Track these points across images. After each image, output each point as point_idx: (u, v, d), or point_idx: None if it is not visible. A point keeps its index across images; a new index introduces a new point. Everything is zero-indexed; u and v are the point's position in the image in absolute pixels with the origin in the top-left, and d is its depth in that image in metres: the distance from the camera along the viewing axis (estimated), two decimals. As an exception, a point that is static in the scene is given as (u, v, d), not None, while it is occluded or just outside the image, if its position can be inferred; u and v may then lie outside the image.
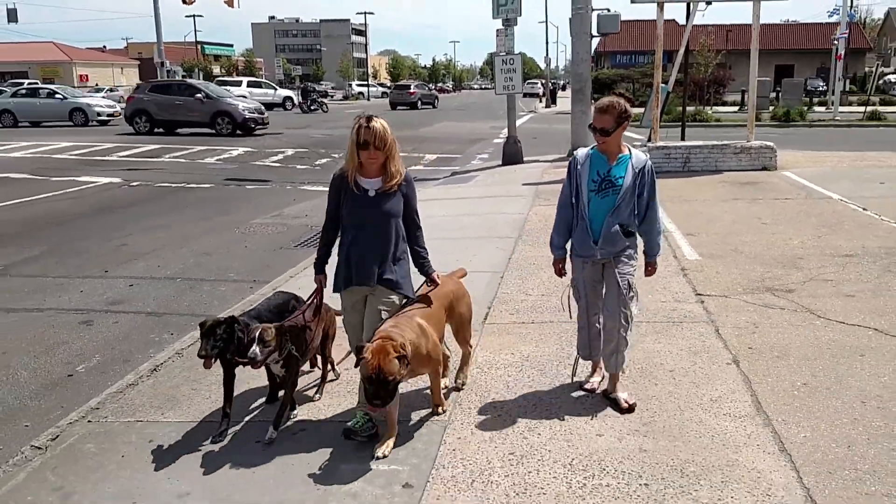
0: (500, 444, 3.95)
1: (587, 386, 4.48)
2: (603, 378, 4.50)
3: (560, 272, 4.43)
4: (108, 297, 7.27)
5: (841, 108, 32.78)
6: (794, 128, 26.73)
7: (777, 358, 4.88)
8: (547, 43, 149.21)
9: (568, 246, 4.37)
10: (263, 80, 59.41)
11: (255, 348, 3.79)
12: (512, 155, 16.50)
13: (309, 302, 4.38)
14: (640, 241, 4.32)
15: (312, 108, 43.19)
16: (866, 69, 57.39)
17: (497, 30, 16.10)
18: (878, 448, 3.72)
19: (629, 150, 4.16)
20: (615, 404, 4.24)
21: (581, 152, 4.23)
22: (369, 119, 3.91)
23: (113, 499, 3.57)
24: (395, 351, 3.55)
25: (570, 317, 4.48)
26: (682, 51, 15.60)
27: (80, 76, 76.64)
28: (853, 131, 25.47)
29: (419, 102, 51.43)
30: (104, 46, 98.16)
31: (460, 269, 4.88)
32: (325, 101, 48.00)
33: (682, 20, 17.33)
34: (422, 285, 4.25)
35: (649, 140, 14.64)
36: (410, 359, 3.64)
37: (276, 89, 48.96)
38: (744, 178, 12.75)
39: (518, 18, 15.99)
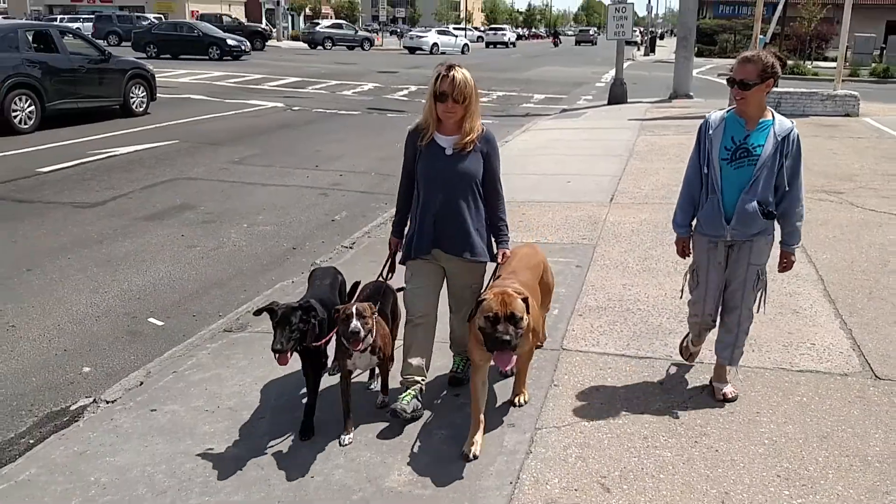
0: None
1: (722, 395, 3.90)
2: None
3: (683, 252, 3.97)
4: (329, 181, 10.04)
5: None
6: (893, 84, 27.47)
7: (820, 225, 7.15)
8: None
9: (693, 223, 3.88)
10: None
11: (356, 323, 3.28)
12: (618, 95, 18.58)
13: (386, 265, 4.00)
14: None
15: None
16: None
17: (611, -19, 18.04)
18: (872, 264, 6.05)
19: (772, 115, 3.59)
20: (713, 392, 3.93)
21: (715, 115, 3.70)
22: (450, 68, 3.57)
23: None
24: (519, 294, 3.27)
25: (682, 297, 4.07)
26: (781, 4, 17.21)
27: (192, 12, 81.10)
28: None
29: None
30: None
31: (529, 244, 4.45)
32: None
33: (784, -24, 18.74)
34: (500, 253, 3.85)
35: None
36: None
37: (456, 36, 54.13)
38: (827, 121, 14.54)
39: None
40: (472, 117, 3.64)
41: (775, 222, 3.68)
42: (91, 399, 4.11)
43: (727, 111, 3.69)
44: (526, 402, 3.82)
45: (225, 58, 34.84)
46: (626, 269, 6.06)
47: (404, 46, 50.83)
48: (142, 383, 4.21)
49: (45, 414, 4.08)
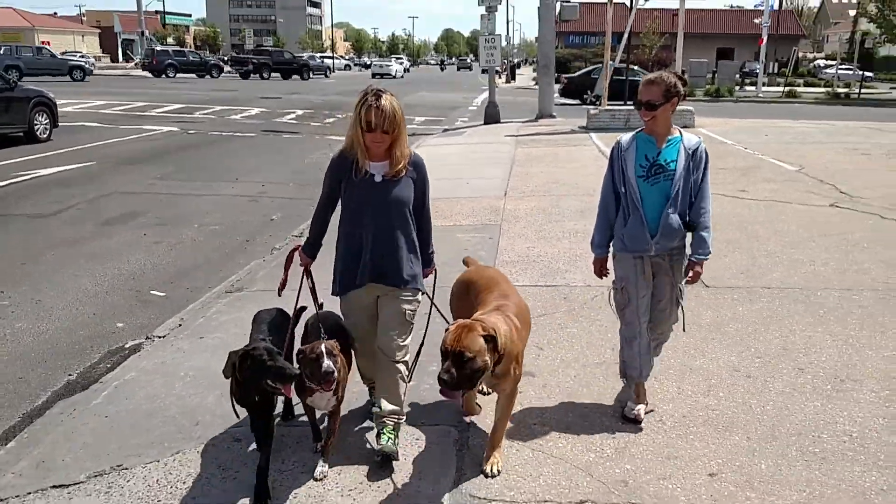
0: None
1: (633, 414, 3.92)
2: (648, 407, 4.02)
3: (601, 272, 4.01)
4: (254, 191, 11.27)
5: (768, 88, 38.04)
6: (722, 102, 31.64)
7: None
8: (507, 22, 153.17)
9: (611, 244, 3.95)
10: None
11: (328, 361, 3.19)
12: (493, 115, 20.74)
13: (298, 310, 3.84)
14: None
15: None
16: (800, 54, 63.23)
17: (482, 15, 20.21)
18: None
19: (679, 133, 3.75)
20: (626, 414, 3.95)
21: (625, 137, 3.82)
22: (378, 96, 3.40)
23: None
24: (484, 330, 3.14)
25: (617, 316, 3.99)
26: (626, 35, 20.00)
27: (42, 41, 77.97)
28: (771, 106, 30.44)
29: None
30: (55, 13, 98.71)
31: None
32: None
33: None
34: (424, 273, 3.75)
35: (599, 103, 19.03)
36: (501, 353, 3.18)
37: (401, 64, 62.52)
38: (669, 133, 17.23)
39: (498, 6, 20.17)
40: (401, 144, 3.51)
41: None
42: (144, 337, 5.32)
43: (636, 132, 3.82)
44: (497, 473, 3.42)
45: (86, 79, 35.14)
46: (527, 238, 7.83)
47: (372, 74, 57.72)
48: (180, 325, 5.47)
49: (107, 350, 5.25)
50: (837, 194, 9.91)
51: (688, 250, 3.83)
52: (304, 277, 3.73)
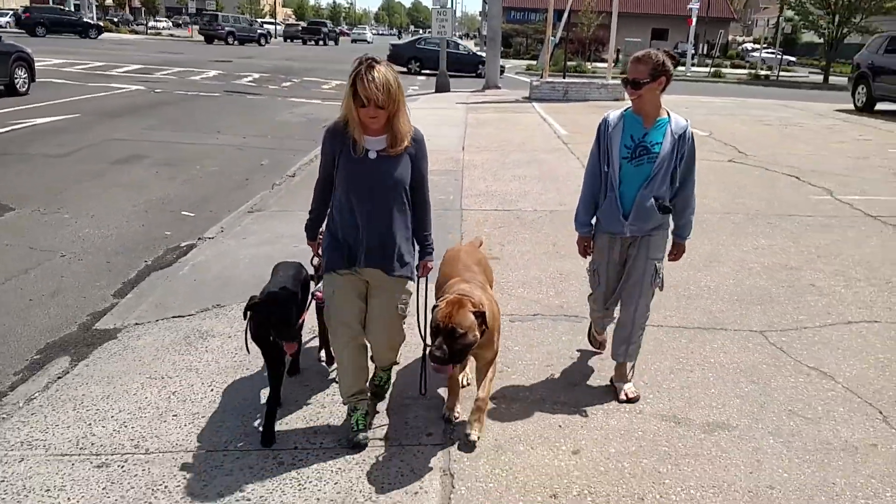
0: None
1: (629, 396, 3.96)
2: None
3: (585, 252, 4.00)
4: (237, 142, 12.63)
5: (697, 68, 40.67)
6: (652, 80, 33.82)
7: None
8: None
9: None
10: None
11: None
12: (443, 85, 22.35)
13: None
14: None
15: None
16: (730, 37, 66.72)
17: (435, -11, 21.75)
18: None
19: (668, 114, 3.67)
20: (616, 392, 3.98)
21: (613, 114, 3.76)
22: (371, 66, 3.12)
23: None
24: (473, 306, 3.20)
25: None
26: (565, 14, 21.84)
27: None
28: (697, 84, 32.78)
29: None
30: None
31: (477, 238, 4.53)
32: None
33: (568, -10, 23.51)
34: (423, 265, 3.62)
35: (541, 77, 20.85)
36: (487, 327, 3.26)
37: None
38: (602, 104, 19.18)
39: (449, -19, 21.71)
40: (400, 119, 3.25)
41: (670, 217, 3.76)
42: (196, 238, 6.85)
43: (625, 110, 3.73)
44: (478, 438, 3.46)
45: None
46: (485, 179, 9.58)
47: (351, 41, 59.30)
48: (222, 231, 7.01)
49: (167, 248, 6.75)
50: (735, 153, 11.99)
51: (671, 228, 3.84)
52: (316, 267, 3.96)
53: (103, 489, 3.12)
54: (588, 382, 4.20)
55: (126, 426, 3.60)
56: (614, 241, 3.82)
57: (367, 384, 3.63)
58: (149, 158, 10.70)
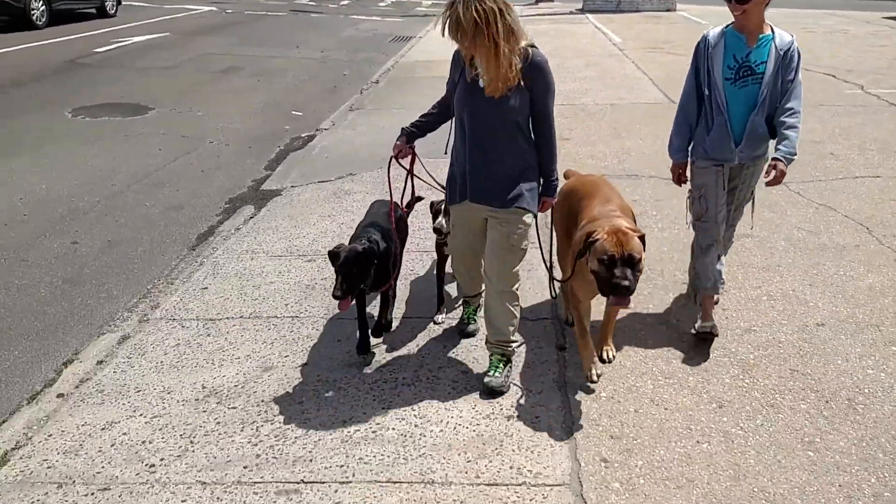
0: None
1: (702, 330, 3.68)
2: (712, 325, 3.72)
3: (679, 180, 3.73)
4: (317, 56, 13.84)
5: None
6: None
7: (652, 52, 12.05)
8: None
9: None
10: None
11: (442, 220, 3.64)
12: None
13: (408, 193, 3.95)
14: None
15: None
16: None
17: None
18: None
19: (772, 30, 3.41)
20: (704, 337, 3.70)
21: (713, 32, 3.48)
22: (453, 2, 2.91)
23: (423, 85, 10.57)
24: (635, 232, 3.02)
25: (689, 226, 3.85)
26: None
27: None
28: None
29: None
30: None
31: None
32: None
33: None
34: (543, 201, 3.40)
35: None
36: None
37: None
38: (653, 14, 19.81)
39: None
40: (490, 59, 2.97)
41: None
42: (315, 129, 8.24)
43: (726, 27, 3.49)
44: (612, 359, 3.54)
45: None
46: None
47: None
48: (333, 124, 8.39)
49: (291, 138, 8.13)
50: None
51: (770, 151, 3.49)
52: (409, 167, 3.76)
53: (312, 274, 4.60)
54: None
55: (316, 241, 5.07)
56: (721, 168, 3.56)
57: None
58: (245, 69, 12.04)
